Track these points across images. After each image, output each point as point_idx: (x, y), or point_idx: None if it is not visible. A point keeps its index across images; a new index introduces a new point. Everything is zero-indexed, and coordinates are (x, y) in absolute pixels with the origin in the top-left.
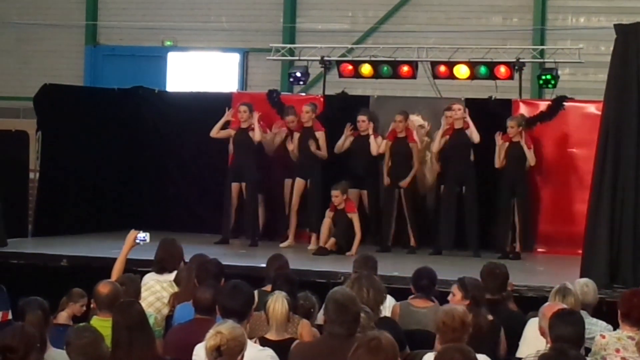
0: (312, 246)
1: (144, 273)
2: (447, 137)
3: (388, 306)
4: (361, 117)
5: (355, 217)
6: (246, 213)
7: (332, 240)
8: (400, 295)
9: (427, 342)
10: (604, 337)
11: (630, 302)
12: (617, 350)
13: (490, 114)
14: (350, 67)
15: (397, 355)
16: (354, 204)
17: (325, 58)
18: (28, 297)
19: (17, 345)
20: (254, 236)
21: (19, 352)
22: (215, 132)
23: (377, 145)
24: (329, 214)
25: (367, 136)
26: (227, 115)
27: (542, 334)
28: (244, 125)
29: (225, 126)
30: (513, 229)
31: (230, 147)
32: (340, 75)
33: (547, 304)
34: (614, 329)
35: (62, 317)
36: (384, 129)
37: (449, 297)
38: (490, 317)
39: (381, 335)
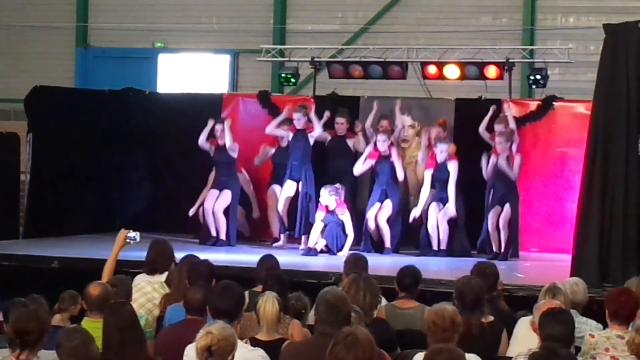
0: (302, 247)
1: (134, 274)
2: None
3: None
4: (340, 120)
5: (346, 218)
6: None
7: (323, 241)
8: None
9: (418, 342)
10: (593, 336)
11: (618, 301)
12: (607, 350)
13: (480, 114)
14: (341, 67)
15: (374, 348)
16: (345, 205)
17: (316, 59)
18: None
19: (32, 329)
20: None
21: (33, 334)
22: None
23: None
24: (319, 214)
25: (344, 137)
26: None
27: (535, 330)
28: (221, 143)
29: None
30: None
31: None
32: (331, 76)
33: (541, 301)
34: (604, 328)
35: (56, 319)
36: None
37: None
38: (488, 319)
39: (357, 330)
